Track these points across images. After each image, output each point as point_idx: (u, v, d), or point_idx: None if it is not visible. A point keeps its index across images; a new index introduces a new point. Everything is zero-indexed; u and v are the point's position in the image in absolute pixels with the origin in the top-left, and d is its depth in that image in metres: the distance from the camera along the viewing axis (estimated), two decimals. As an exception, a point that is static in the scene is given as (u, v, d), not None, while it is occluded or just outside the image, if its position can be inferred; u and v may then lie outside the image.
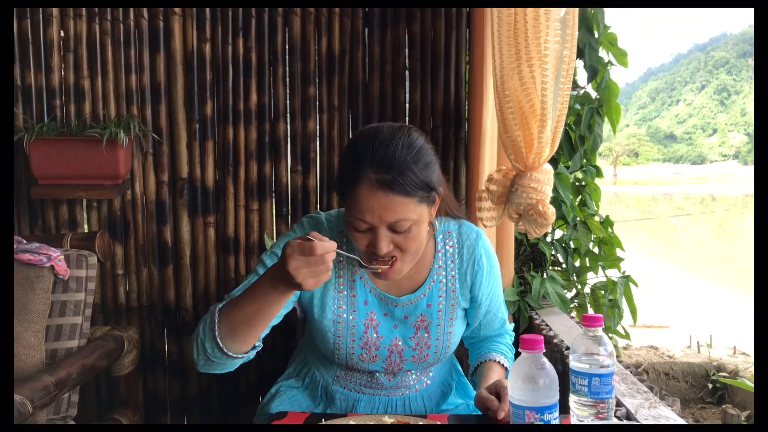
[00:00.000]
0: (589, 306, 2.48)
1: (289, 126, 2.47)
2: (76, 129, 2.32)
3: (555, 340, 1.86)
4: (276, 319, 1.34)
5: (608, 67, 2.48)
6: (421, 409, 1.50)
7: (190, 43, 2.41)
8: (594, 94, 2.53)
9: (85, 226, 2.46)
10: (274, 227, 2.49)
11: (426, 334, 1.43)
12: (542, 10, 1.67)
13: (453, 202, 1.49)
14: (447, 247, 1.45)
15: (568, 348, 1.77)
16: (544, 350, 1.03)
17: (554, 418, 1.00)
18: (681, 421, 1.26)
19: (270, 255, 1.42)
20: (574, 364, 1.09)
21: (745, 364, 3.73)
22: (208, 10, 2.39)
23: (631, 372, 1.59)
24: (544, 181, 1.75)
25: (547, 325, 2.02)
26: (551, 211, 1.76)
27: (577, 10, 1.71)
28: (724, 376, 3.40)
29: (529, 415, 0.99)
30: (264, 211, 2.49)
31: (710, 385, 3.62)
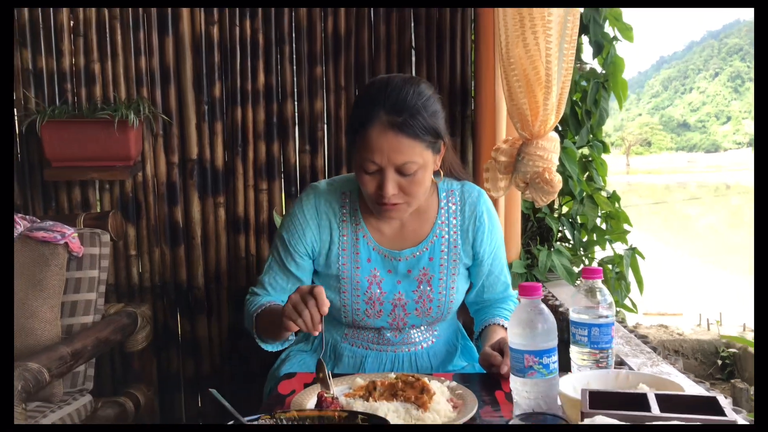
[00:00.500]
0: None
1: (296, 106, 2.50)
2: (87, 111, 2.36)
3: (561, 309, 1.87)
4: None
5: (614, 42, 2.48)
6: (427, 365, 1.54)
7: (198, 26, 2.44)
8: (600, 70, 2.54)
9: (98, 208, 2.51)
10: (283, 207, 2.53)
11: (428, 288, 1.47)
12: (545, -23, 1.68)
13: (458, 164, 1.55)
14: (450, 204, 1.50)
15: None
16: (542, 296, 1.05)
17: (552, 361, 1.02)
18: (682, 377, 1.28)
19: (279, 238, 1.53)
20: (574, 315, 1.11)
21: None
22: (215, -8, 2.42)
23: (635, 335, 1.60)
24: (550, 149, 1.77)
25: (553, 296, 2.04)
26: (558, 179, 1.78)
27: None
28: (734, 352, 3.40)
29: (528, 358, 1.01)
30: (273, 191, 2.52)
31: (719, 362, 3.62)
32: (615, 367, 1.20)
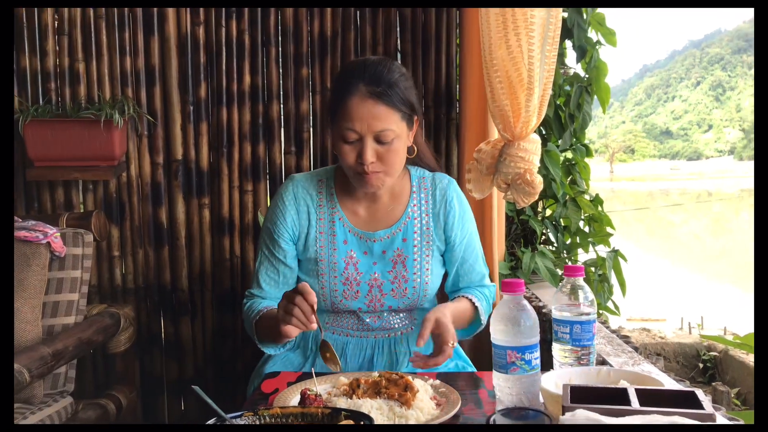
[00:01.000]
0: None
1: (282, 107, 2.50)
2: (71, 111, 2.34)
3: (544, 310, 1.89)
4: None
5: (597, 47, 2.51)
6: (406, 349, 1.58)
7: (184, 26, 2.44)
8: (583, 74, 2.57)
9: (81, 208, 2.49)
10: (268, 208, 2.52)
11: (403, 268, 1.54)
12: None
13: (430, 157, 1.63)
14: (422, 189, 1.59)
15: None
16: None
17: (535, 357, 1.03)
18: (663, 375, 1.30)
19: (264, 231, 1.59)
20: (556, 312, 1.12)
21: (735, 340, 3.77)
22: (200, -7, 2.42)
23: (617, 336, 1.62)
24: (531, 150, 1.79)
25: (537, 297, 2.06)
26: (539, 180, 1.80)
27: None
28: (715, 355, 3.43)
29: (511, 354, 1.02)
30: (258, 192, 2.51)
31: (701, 365, 3.66)
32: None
